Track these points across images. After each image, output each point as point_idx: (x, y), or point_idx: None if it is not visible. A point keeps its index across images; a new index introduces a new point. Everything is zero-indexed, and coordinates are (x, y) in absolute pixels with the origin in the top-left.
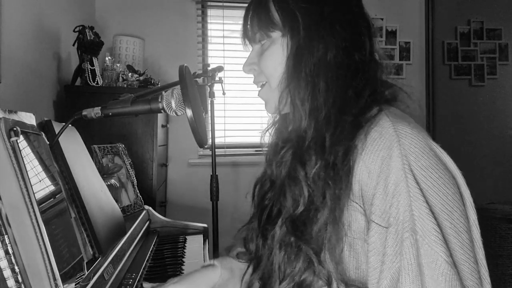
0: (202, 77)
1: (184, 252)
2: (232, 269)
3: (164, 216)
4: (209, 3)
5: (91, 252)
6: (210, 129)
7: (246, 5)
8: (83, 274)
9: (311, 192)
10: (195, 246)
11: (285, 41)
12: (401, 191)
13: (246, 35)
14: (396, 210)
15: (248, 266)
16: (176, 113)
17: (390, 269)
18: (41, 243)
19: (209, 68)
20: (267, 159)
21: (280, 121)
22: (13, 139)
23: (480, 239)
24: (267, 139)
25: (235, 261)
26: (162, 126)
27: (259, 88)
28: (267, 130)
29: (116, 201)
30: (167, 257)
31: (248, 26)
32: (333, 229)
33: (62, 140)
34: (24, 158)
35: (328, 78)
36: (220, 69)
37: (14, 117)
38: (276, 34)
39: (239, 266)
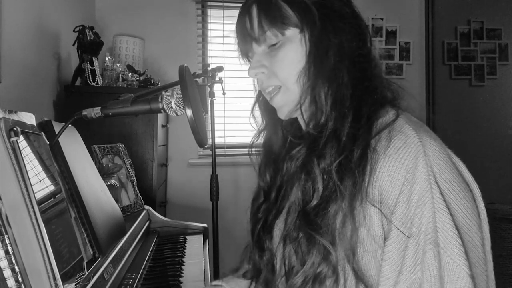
0: (202, 77)
1: (184, 252)
2: None
3: (164, 216)
4: (209, 3)
5: (91, 252)
6: (210, 129)
7: None
8: (83, 274)
9: (326, 184)
10: (195, 246)
11: (303, 37)
12: (425, 202)
13: (250, 36)
14: (420, 221)
15: (251, 283)
16: (176, 113)
17: (407, 280)
18: (41, 243)
19: (209, 68)
20: (259, 171)
21: (269, 129)
22: (13, 139)
23: (490, 252)
24: (254, 149)
25: (241, 282)
26: (162, 126)
27: (271, 94)
28: (254, 141)
29: (116, 201)
30: (167, 257)
31: (255, 26)
32: (351, 219)
33: (62, 140)
34: (24, 158)
35: (349, 70)
36: (220, 69)
37: (14, 117)
38: (291, 31)
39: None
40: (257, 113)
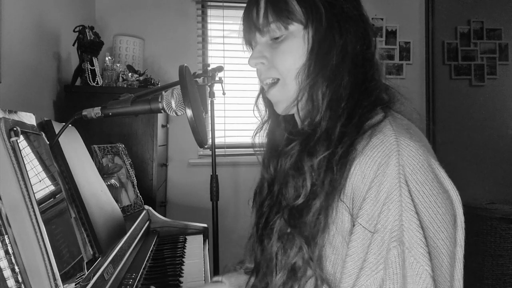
0: (202, 77)
1: (184, 252)
2: (240, 286)
3: (164, 216)
4: (209, 3)
5: (91, 252)
6: (210, 129)
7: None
8: (83, 274)
9: (314, 182)
10: (195, 246)
11: (307, 33)
12: (393, 199)
13: (255, 26)
14: (386, 218)
15: (250, 277)
16: (176, 113)
17: (369, 276)
18: (41, 243)
19: (209, 68)
20: (263, 163)
21: (272, 121)
22: (13, 139)
23: (462, 260)
24: (257, 140)
25: (243, 277)
26: (162, 126)
27: (269, 86)
28: (257, 133)
29: (116, 201)
30: (167, 257)
31: (261, 16)
32: (324, 216)
33: (62, 140)
34: (24, 158)
35: (350, 72)
36: (220, 69)
37: (14, 117)
38: (295, 27)
39: None
40: (261, 106)
